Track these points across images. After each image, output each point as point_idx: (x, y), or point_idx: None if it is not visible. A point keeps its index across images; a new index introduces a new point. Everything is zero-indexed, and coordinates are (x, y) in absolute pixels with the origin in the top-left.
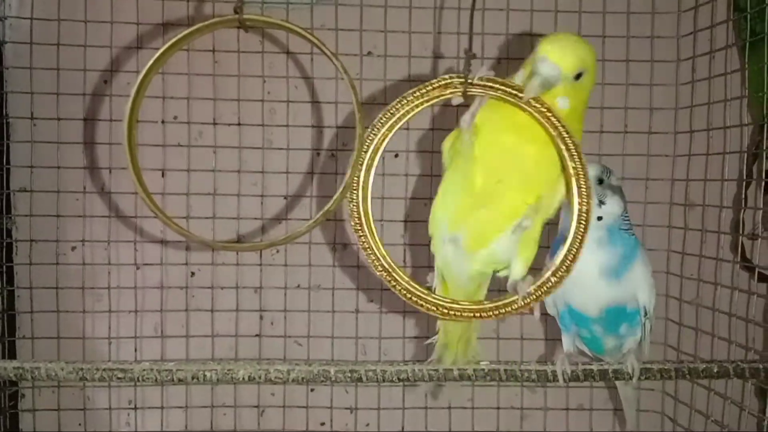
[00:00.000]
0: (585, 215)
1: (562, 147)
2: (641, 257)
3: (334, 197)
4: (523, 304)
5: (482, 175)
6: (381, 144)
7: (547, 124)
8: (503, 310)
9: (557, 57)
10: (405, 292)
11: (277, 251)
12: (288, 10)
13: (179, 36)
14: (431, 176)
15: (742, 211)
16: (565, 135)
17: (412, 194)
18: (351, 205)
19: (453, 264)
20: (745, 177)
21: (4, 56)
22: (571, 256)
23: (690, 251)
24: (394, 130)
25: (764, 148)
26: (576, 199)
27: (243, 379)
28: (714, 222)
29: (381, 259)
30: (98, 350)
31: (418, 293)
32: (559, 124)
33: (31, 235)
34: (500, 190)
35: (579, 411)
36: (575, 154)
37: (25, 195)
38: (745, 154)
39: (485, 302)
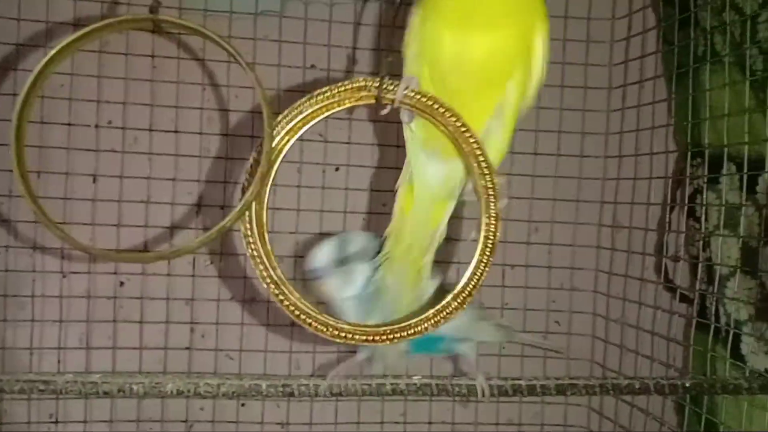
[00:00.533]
0: (492, 238)
1: (474, 164)
2: None
3: (230, 214)
4: (418, 330)
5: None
6: (284, 145)
7: (461, 141)
8: (398, 334)
9: None
10: (293, 308)
11: (211, 262)
12: (231, 20)
13: (82, 32)
14: (370, 191)
15: (666, 234)
16: (479, 153)
17: (350, 208)
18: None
19: (426, 167)
20: (669, 201)
21: None
22: (475, 279)
23: (616, 271)
24: (302, 130)
25: (687, 174)
26: (483, 220)
27: (171, 392)
28: (640, 244)
29: (270, 270)
30: (19, 361)
31: (308, 310)
32: (473, 141)
33: None
34: (460, 101)
35: (508, 425)
36: (487, 171)
37: None
38: (670, 180)
39: (379, 326)
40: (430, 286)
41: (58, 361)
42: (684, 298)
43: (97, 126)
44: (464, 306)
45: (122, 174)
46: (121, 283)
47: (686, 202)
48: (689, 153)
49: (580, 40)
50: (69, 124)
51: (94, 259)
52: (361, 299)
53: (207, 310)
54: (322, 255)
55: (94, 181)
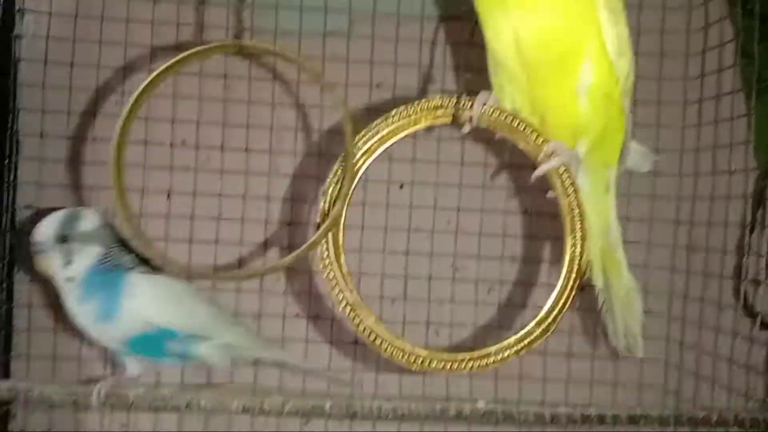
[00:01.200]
0: (578, 260)
1: (557, 182)
2: (128, 288)
3: (318, 232)
4: (498, 359)
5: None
6: (363, 162)
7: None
8: (477, 362)
9: None
10: (369, 332)
11: (279, 279)
12: (300, 39)
13: (174, 60)
14: (434, 208)
15: (745, 256)
16: (562, 171)
17: (414, 226)
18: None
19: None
20: (748, 222)
21: (18, 73)
22: (561, 303)
23: (692, 295)
24: (378, 150)
25: None
26: (569, 240)
27: (237, 409)
28: (717, 267)
29: (347, 293)
30: (94, 371)
31: (383, 334)
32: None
33: None
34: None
35: None
36: (571, 190)
37: (31, 212)
38: (750, 200)
39: (457, 354)
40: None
41: None
42: (765, 325)
43: (171, 144)
44: (548, 333)
45: (195, 191)
46: None
47: (767, 223)
48: None
49: (654, 53)
50: (145, 142)
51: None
52: (79, 284)
53: (273, 326)
54: (45, 228)
55: (168, 197)
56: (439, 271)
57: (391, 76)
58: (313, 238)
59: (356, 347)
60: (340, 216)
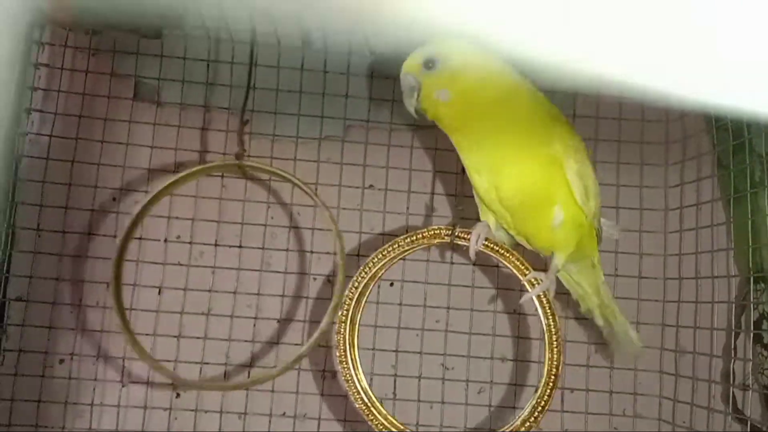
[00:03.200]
0: (555, 371)
1: (537, 303)
2: None
3: (307, 344)
4: None
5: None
6: (372, 279)
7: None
8: None
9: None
10: (382, 428)
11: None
12: (297, 144)
13: (176, 177)
14: (424, 307)
15: (732, 361)
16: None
17: (404, 324)
18: (337, 337)
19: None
20: (734, 327)
21: (19, 169)
22: (540, 407)
23: (682, 399)
24: (384, 270)
25: (752, 299)
26: (547, 354)
27: None
28: (705, 370)
29: (362, 392)
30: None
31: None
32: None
33: (20, 345)
34: (519, 226)
35: None
36: (549, 312)
37: (20, 305)
38: (733, 305)
39: None
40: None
41: None
42: (755, 430)
43: (166, 240)
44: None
45: (186, 287)
46: (177, 395)
47: (752, 328)
48: (752, 278)
49: (635, 163)
50: (140, 238)
51: (178, 386)
52: None
53: (259, 425)
54: None
55: (159, 292)
56: (428, 371)
57: (383, 179)
58: (301, 351)
59: None
60: (328, 330)
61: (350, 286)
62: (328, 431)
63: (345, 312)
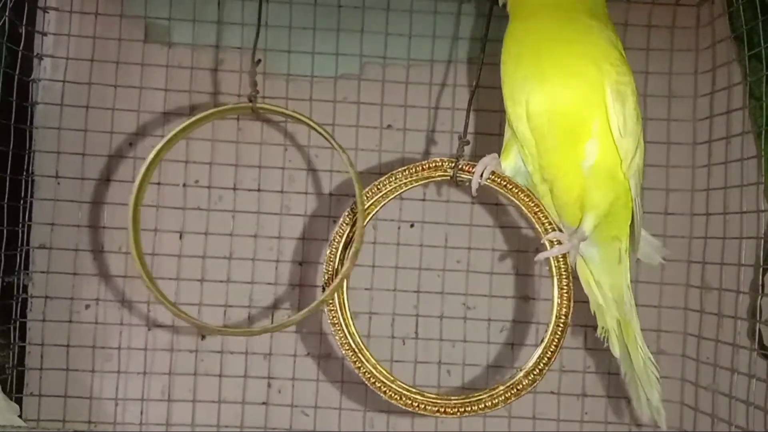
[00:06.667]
0: (564, 318)
1: (547, 244)
2: None
3: (328, 290)
4: (489, 405)
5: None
6: (366, 216)
7: (535, 221)
8: (469, 408)
9: None
10: (369, 375)
11: (288, 316)
12: (312, 83)
13: (191, 120)
14: (445, 247)
15: (759, 297)
16: (544, 220)
17: (425, 265)
18: (325, 276)
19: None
20: (762, 263)
21: (35, 116)
22: (546, 359)
23: (706, 335)
24: (380, 205)
25: None
26: (556, 300)
27: None
28: (731, 307)
29: (349, 337)
30: (104, 411)
31: (383, 378)
32: (546, 222)
33: (46, 292)
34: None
35: None
36: (565, 273)
37: (44, 252)
38: (762, 240)
39: (452, 397)
40: None
41: (141, 413)
42: None
43: (184, 185)
44: (534, 384)
45: (207, 231)
46: (203, 337)
47: None
48: None
49: (662, 95)
50: (158, 184)
51: (200, 331)
52: None
53: (284, 365)
54: None
55: (181, 237)
56: (450, 311)
57: (401, 119)
58: (322, 296)
59: (367, 388)
60: (348, 275)
61: (341, 222)
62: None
63: (333, 251)
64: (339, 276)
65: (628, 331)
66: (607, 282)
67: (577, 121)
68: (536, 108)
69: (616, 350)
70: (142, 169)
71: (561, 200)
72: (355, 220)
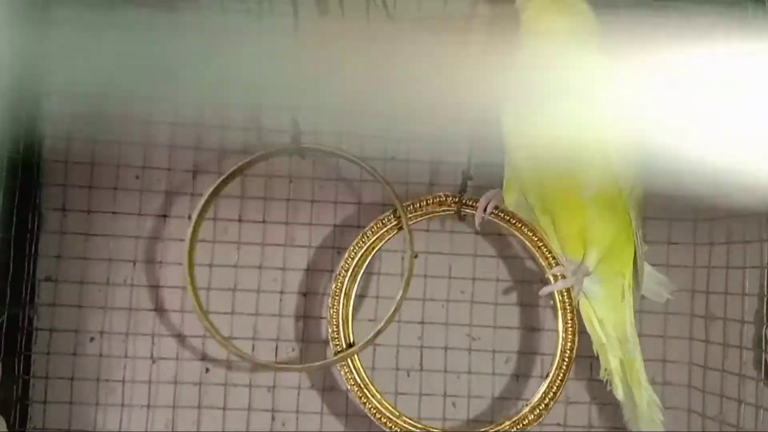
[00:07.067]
0: (569, 352)
1: (551, 279)
2: None
3: (384, 320)
4: None
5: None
6: (371, 251)
7: (538, 255)
8: None
9: None
10: (374, 411)
11: (293, 350)
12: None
13: (239, 165)
14: (449, 278)
15: (764, 327)
16: (548, 254)
17: (429, 296)
18: (331, 311)
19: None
20: (766, 293)
21: (42, 150)
22: (552, 393)
23: (712, 365)
24: (384, 240)
25: None
26: (561, 334)
27: None
28: (736, 337)
29: (354, 372)
30: None
31: (388, 414)
32: (550, 256)
33: (52, 325)
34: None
35: None
36: (569, 308)
37: (50, 284)
38: (766, 270)
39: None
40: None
41: None
42: None
43: (189, 217)
44: (540, 419)
45: (211, 263)
46: (207, 370)
47: None
48: None
49: None
50: (165, 216)
51: (253, 367)
52: None
53: (288, 398)
54: None
55: None
56: (454, 342)
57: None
58: (379, 327)
59: (371, 421)
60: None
61: (346, 257)
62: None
63: (339, 285)
64: (394, 307)
65: (631, 371)
66: (610, 319)
67: (577, 152)
68: (533, 132)
69: (619, 393)
70: (200, 204)
71: (563, 233)
72: (363, 250)
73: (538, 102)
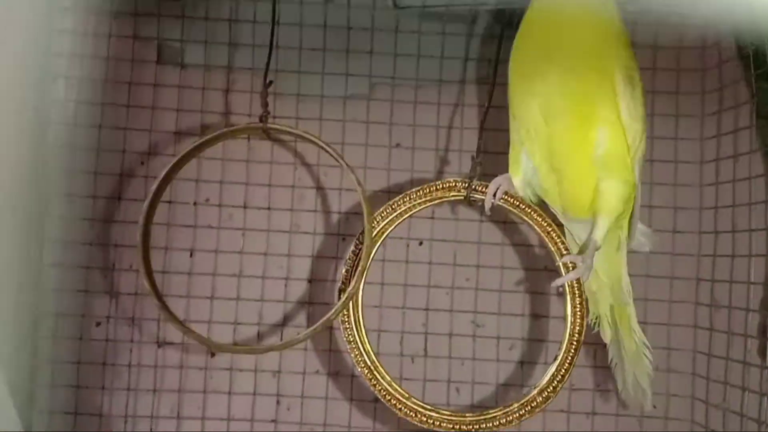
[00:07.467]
0: (577, 336)
1: (561, 265)
2: None
3: (334, 309)
4: (503, 422)
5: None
6: (381, 235)
7: (548, 240)
8: (484, 425)
9: None
10: (384, 393)
11: (297, 333)
12: (322, 104)
13: (200, 141)
14: (454, 265)
15: None
16: (565, 253)
17: (434, 283)
18: (342, 296)
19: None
20: None
21: (47, 136)
22: (560, 376)
23: (716, 353)
24: (394, 225)
25: None
26: (569, 318)
27: None
28: (741, 325)
29: (365, 355)
30: (114, 427)
31: (398, 396)
32: (560, 241)
33: (57, 310)
34: (558, 159)
35: None
36: (578, 291)
37: (56, 269)
38: None
39: (466, 414)
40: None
41: (150, 429)
42: None
43: (195, 203)
44: (548, 401)
45: (217, 249)
46: (212, 355)
47: None
48: None
49: (670, 114)
50: (170, 202)
51: (210, 349)
52: None
53: (293, 383)
54: None
55: (191, 255)
56: (459, 328)
57: (410, 138)
58: (329, 314)
59: (376, 405)
60: (357, 292)
61: (355, 241)
62: (362, 388)
63: (348, 269)
64: (344, 296)
65: (622, 317)
66: (603, 268)
67: (588, 105)
68: (547, 89)
69: (607, 336)
70: (153, 187)
71: (569, 192)
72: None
73: (549, 53)
